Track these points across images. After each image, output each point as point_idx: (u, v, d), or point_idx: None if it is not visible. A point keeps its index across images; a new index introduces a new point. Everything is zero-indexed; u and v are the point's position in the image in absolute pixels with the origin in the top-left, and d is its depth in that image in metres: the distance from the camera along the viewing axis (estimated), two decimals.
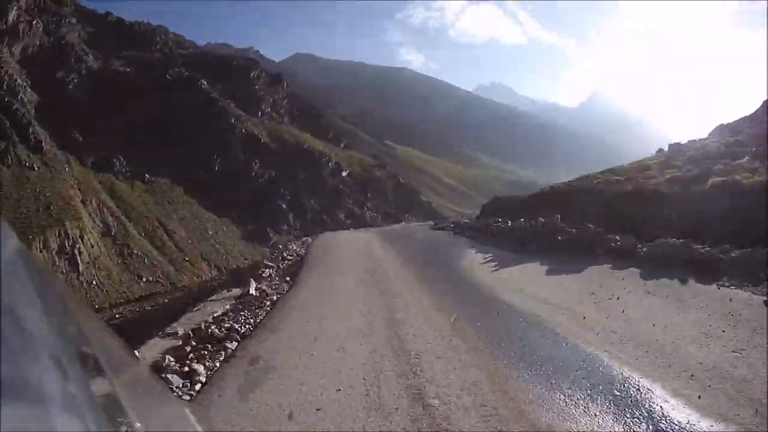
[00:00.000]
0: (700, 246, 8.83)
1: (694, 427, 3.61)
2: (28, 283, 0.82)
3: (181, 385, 5.36)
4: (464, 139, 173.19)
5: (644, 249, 9.82)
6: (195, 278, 32.54)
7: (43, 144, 38.07)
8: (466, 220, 26.81)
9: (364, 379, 5.14)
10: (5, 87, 39.33)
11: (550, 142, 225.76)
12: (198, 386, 5.37)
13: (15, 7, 43.99)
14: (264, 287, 10.63)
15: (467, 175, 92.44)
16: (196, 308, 9.83)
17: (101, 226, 34.38)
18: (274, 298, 9.69)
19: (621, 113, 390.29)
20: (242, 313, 8.54)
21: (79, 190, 35.98)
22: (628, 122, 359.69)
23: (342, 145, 60.19)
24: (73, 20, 51.20)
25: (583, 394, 4.36)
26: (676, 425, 3.72)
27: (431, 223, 32.75)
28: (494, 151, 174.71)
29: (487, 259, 12.76)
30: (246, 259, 34.83)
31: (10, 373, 0.66)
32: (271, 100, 59.72)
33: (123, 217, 36.32)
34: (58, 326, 0.80)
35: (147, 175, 42.25)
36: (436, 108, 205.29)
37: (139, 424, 0.77)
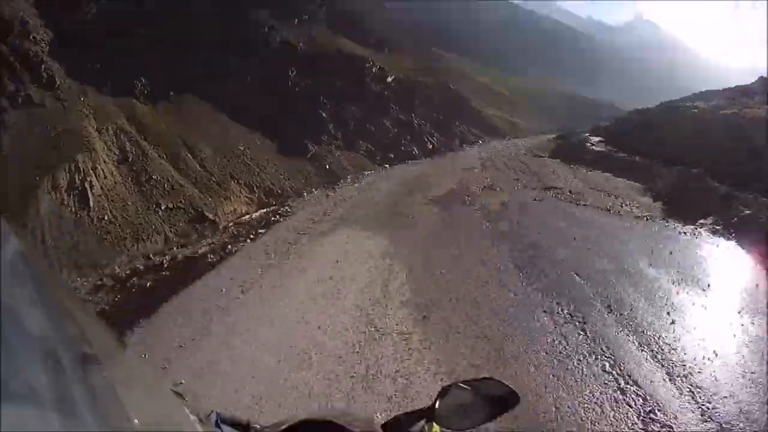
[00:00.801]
0: None
1: None
2: (28, 283, 0.83)
3: None
4: (512, 50, 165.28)
5: None
6: (231, 211, 28.08)
7: (56, 78, 33.81)
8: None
9: None
10: (15, 30, 35.07)
11: (600, 59, 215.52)
12: None
13: None
14: None
15: (517, 85, 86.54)
16: None
17: (117, 153, 30.28)
18: None
19: (668, 38, 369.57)
20: None
21: (94, 119, 31.91)
22: (676, 47, 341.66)
23: (386, 51, 54.79)
24: None
25: None
26: None
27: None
28: (542, 63, 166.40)
29: None
30: (283, 177, 31.08)
31: (10, 373, 0.66)
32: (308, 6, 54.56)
33: (142, 141, 32.13)
34: (59, 327, 0.81)
35: (172, 93, 38.03)
36: (482, 18, 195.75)
37: (139, 425, 0.79)
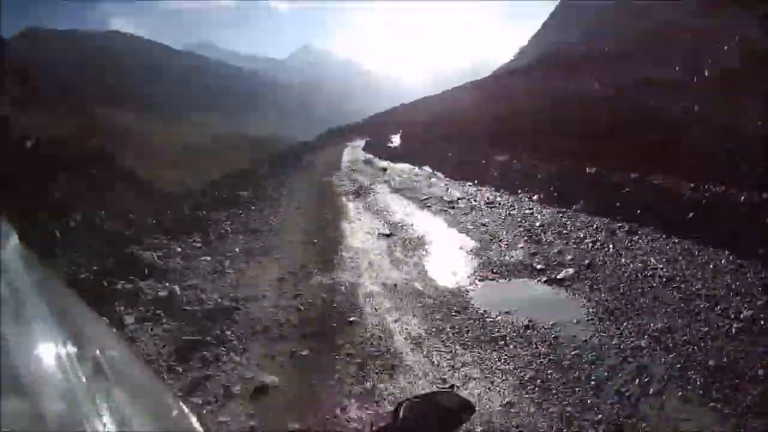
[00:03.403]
0: None
1: None
2: (28, 283, 0.83)
3: None
4: (175, 96, 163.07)
5: None
6: None
7: None
8: None
9: None
10: None
11: (258, 94, 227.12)
12: None
13: None
14: None
15: (176, 132, 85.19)
16: None
17: None
18: None
19: (338, 63, 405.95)
20: None
21: None
22: (348, 74, 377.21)
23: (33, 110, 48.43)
24: None
25: None
26: None
27: None
28: (203, 106, 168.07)
29: None
30: None
31: (10, 373, 0.67)
32: None
33: None
34: (59, 327, 0.81)
35: None
36: (144, 66, 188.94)
37: (139, 425, 0.80)
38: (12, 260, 0.81)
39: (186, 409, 1.02)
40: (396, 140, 33.67)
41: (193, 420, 1.01)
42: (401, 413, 1.48)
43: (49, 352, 0.75)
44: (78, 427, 0.68)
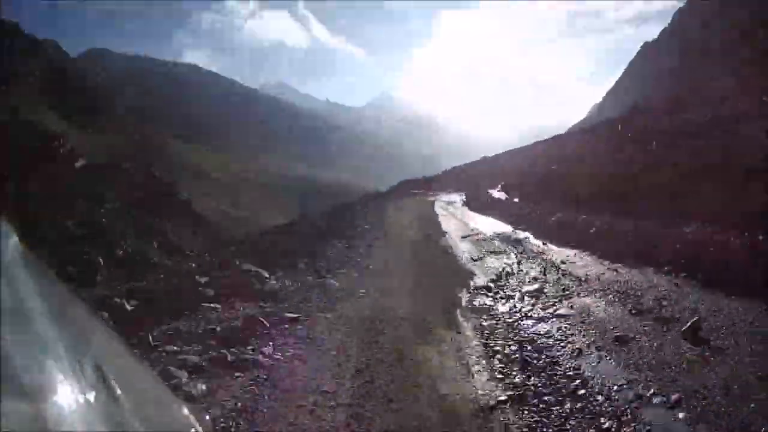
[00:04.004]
0: None
1: None
2: (28, 283, 0.83)
3: None
4: (248, 135, 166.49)
5: None
6: None
7: None
8: None
9: None
10: None
11: (331, 140, 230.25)
12: None
13: None
14: None
15: (245, 170, 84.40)
16: None
17: None
18: None
19: (413, 115, 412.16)
20: None
21: None
22: (422, 124, 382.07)
23: (92, 125, 47.96)
24: None
25: None
26: None
27: None
28: (276, 148, 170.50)
29: None
30: None
31: (11, 372, 0.68)
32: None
33: None
34: (59, 327, 0.81)
35: None
36: (219, 103, 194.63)
37: (139, 425, 0.81)
38: (12, 260, 0.81)
39: (187, 411, 1.01)
40: (498, 194, 26.14)
41: (193, 420, 1.01)
42: None
43: (49, 353, 0.75)
44: (78, 427, 0.69)
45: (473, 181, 38.22)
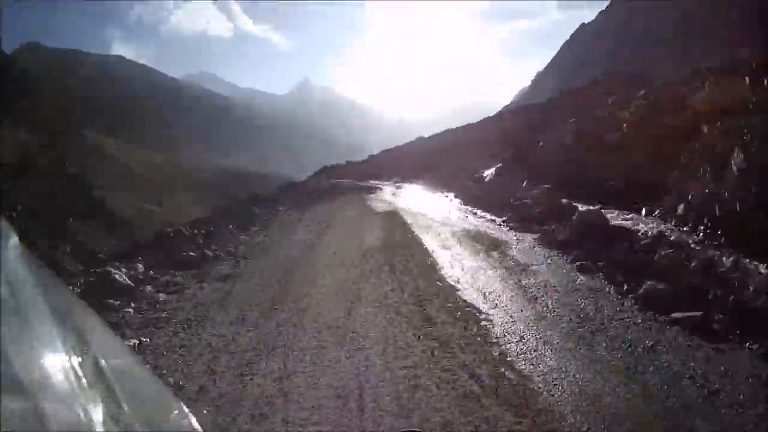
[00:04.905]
0: None
1: None
2: (28, 283, 0.83)
3: None
4: (172, 126, 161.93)
5: None
6: None
7: None
8: None
9: None
10: None
11: (257, 129, 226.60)
12: None
13: None
14: None
15: (167, 163, 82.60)
16: None
17: None
18: None
19: (337, 100, 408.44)
20: None
21: None
22: (345, 108, 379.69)
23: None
24: None
25: None
26: None
27: None
28: (201, 138, 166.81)
29: None
30: None
31: (10, 373, 0.68)
32: None
33: None
34: (58, 326, 0.82)
35: None
36: (145, 95, 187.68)
37: (139, 425, 0.81)
38: (12, 260, 0.81)
39: (186, 410, 1.00)
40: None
41: (194, 421, 1.00)
42: None
43: (49, 353, 0.75)
44: (78, 427, 0.69)
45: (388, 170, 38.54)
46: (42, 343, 0.76)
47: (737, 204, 8.17)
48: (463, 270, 8.40)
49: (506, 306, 6.61)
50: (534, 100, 63.25)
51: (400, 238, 11.55)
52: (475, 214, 15.14)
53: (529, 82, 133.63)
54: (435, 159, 37.50)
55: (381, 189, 27.27)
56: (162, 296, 7.69)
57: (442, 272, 8.23)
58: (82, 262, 26.52)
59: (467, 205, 17.09)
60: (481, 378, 4.68)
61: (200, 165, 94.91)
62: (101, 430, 0.70)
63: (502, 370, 4.83)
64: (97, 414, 0.71)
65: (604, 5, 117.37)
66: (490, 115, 60.32)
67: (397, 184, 29.95)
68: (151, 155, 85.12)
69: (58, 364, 0.74)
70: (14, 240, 0.83)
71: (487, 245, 10.27)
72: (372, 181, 33.39)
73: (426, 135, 61.68)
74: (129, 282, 8.08)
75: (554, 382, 4.58)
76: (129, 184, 54.36)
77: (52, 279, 0.91)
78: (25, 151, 42.90)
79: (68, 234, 32.89)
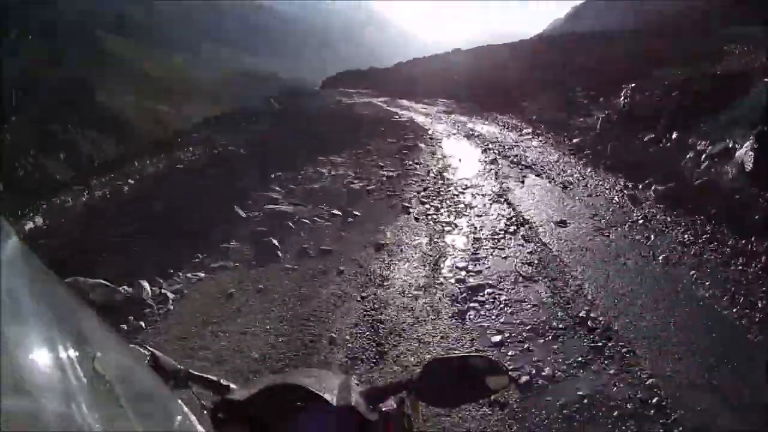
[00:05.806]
0: None
1: None
2: (28, 283, 0.82)
3: None
4: (189, 28, 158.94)
5: None
6: None
7: None
8: None
9: None
10: None
11: (298, 34, 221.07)
12: None
13: None
14: None
15: (184, 66, 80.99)
16: None
17: None
18: None
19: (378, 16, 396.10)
20: None
21: None
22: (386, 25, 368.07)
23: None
24: None
25: None
26: None
27: None
28: (221, 39, 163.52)
29: None
30: None
31: (10, 373, 0.69)
32: None
33: None
34: (58, 326, 0.81)
35: None
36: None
37: (139, 424, 0.81)
38: (12, 260, 0.80)
39: (187, 410, 1.00)
40: None
41: (194, 421, 1.00)
42: (428, 371, 1.44)
43: (49, 353, 0.75)
44: (78, 427, 0.69)
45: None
46: (42, 343, 0.74)
47: None
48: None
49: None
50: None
51: None
52: None
53: (563, 15, 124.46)
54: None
55: (437, 140, 13.16)
56: None
57: None
58: (76, 169, 25.74)
59: None
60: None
61: (220, 67, 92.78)
62: (101, 430, 0.69)
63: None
64: (97, 414, 0.70)
65: None
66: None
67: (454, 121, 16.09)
68: (170, 57, 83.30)
69: (58, 364, 0.73)
70: (14, 240, 0.81)
71: None
72: (405, 104, 20.55)
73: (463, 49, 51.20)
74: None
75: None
76: (139, 88, 53.03)
77: (52, 278, 0.89)
78: (35, 63, 41.86)
79: (64, 143, 32.31)
